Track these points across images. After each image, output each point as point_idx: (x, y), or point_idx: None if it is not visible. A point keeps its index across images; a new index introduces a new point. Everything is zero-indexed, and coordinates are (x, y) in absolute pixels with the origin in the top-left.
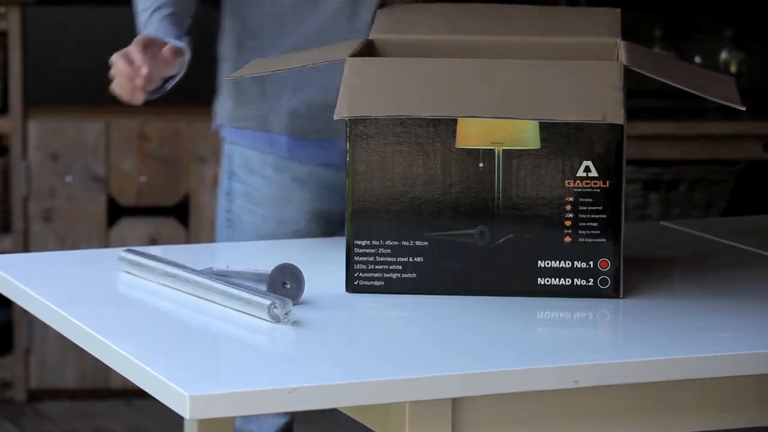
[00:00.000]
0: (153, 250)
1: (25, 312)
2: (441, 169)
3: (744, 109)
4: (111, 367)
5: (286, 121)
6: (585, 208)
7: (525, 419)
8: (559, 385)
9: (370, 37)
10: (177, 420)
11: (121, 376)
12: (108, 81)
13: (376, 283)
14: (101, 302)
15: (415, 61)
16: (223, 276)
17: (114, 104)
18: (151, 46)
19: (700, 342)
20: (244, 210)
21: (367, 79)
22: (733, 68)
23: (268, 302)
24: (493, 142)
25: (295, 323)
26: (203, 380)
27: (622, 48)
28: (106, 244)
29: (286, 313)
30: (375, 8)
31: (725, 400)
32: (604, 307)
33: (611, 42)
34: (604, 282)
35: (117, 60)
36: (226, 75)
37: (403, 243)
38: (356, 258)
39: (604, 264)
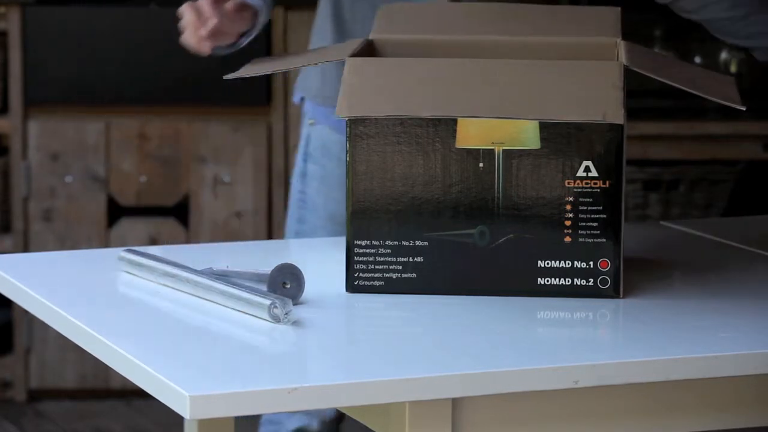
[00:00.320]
0: (153, 250)
1: (25, 312)
2: (441, 169)
3: (744, 109)
4: (111, 367)
5: None
6: (585, 208)
7: (525, 419)
8: (559, 385)
9: (370, 37)
10: (177, 420)
11: (121, 376)
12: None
13: (376, 283)
14: (101, 302)
15: (415, 61)
16: (223, 276)
17: (114, 104)
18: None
19: (700, 342)
20: (318, 193)
21: (367, 79)
22: (733, 68)
23: (268, 302)
24: (493, 142)
25: (295, 323)
26: (203, 380)
27: (622, 48)
28: (106, 244)
29: (286, 313)
30: None
31: (725, 400)
32: (604, 307)
33: (611, 42)
34: (604, 282)
35: (185, 10)
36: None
37: (403, 243)
38: (356, 258)
39: (604, 264)
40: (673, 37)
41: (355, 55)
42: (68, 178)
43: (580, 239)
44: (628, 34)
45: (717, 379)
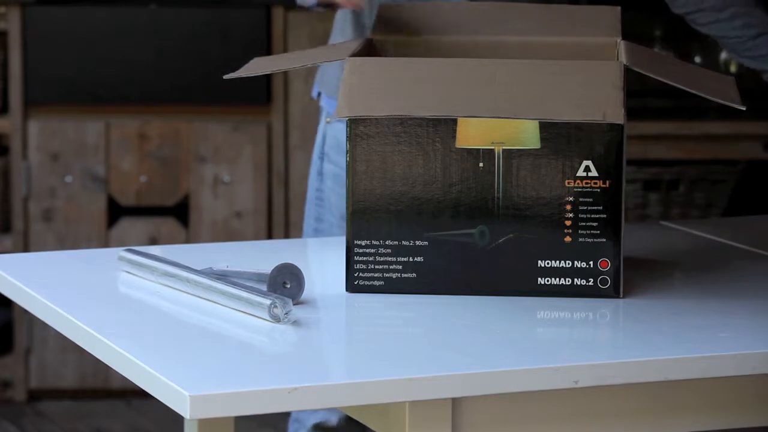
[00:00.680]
0: (153, 250)
1: (25, 312)
2: (441, 169)
3: (744, 108)
4: (111, 367)
5: None
6: (585, 207)
7: (525, 419)
8: (559, 385)
9: (370, 37)
10: (177, 420)
11: (121, 376)
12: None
13: (376, 283)
14: (101, 302)
15: (415, 61)
16: (223, 276)
17: (114, 104)
18: None
19: (700, 342)
20: (332, 191)
21: (367, 79)
22: (733, 68)
23: (268, 302)
24: (493, 142)
25: (295, 323)
26: (203, 380)
27: (622, 48)
28: (106, 244)
29: (286, 313)
30: None
31: (725, 400)
32: (604, 307)
33: (611, 42)
34: (604, 282)
35: None
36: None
37: (403, 243)
38: (356, 258)
39: (604, 264)
40: (673, 37)
41: (355, 55)
42: (68, 178)
43: (580, 239)
44: (628, 34)
45: (717, 379)
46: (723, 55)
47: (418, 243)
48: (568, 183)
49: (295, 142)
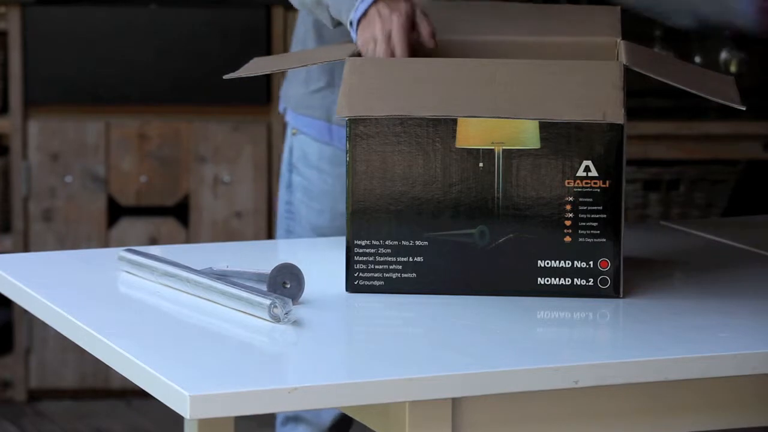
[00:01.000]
0: (153, 250)
1: (25, 312)
2: (441, 169)
3: (744, 108)
4: (111, 367)
5: None
6: (585, 207)
7: (525, 419)
8: (559, 385)
9: None
10: (177, 420)
11: (121, 376)
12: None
13: (376, 283)
14: (101, 302)
15: (415, 61)
16: (223, 276)
17: (114, 104)
18: (416, 26)
19: (700, 342)
20: (302, 204)
21: (367, 79)
22: (733, 68)
23: (268, 302)
24: (493, 142)
25: (295, 323)
26: (203, 380)
27: (622, 48)
28: (106, 244)
29: (286, 313)
30: None
31: (725, 400)
32: (604, 307)
33: (611, 42)
34: (604, 282)
35: (381, 47)
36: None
37: (403, 243)
38: (356, 258)
39: (604, 264)
40: (673, 37)
41: (355, 55)
42: (68, 178)
43: (580, 239)
44: (628, 34)
45: (717, 379)
46: (723, 55)
47: (418, 243)
48: (568, 183)
49: None
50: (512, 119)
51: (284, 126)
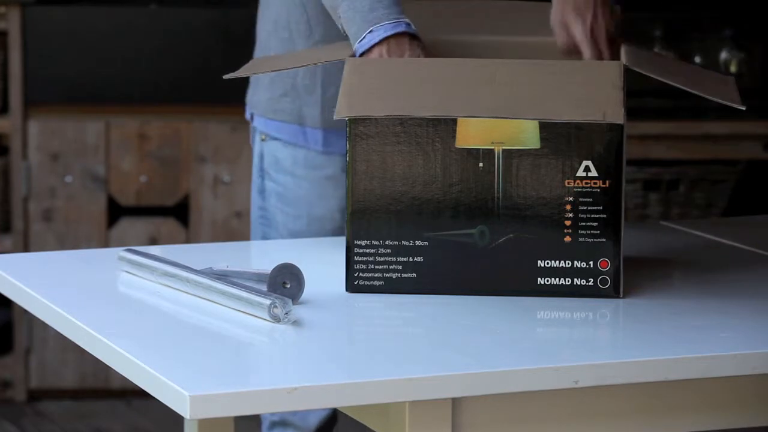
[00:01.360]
0: (153, 250)
1: (25, 312)
2: (441, 169)
3: (744, 108)
4: (111, 367)
5: (319, 115)
6: (585, 207)
7: (525, 419)
8: (559, 385)
9: None
10: (177, 420)
11: (121, 376)
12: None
13: (376, 283)
14: (101, 302)
15: (415, 61)
16: (223, 276)
17: (114, 104)
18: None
19: (700, 342)
20: (277, 209)
21: (367, 79)
22: (733, 68)
23: (268, 302)
24: (493, 142)
25: (295, 323)
26: (203, 380)
27: (622, 48)
28: (106, 244)
29: (286, 313)
30: None
31: (725, 400)
32: (604, 307)
33: None
34: (604, 282)
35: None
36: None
37: (403, 243)
38: (356, 258)
39: (604, 264)
40: (673, 37)
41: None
42: (68, 178)
43: (580, 239)
44: (628, 34)
45: (717, 379)
46: (723, 55)
47: (418, 243)
48: (568, 183)
49: None
50: (512, 119)
51: (250, 133)
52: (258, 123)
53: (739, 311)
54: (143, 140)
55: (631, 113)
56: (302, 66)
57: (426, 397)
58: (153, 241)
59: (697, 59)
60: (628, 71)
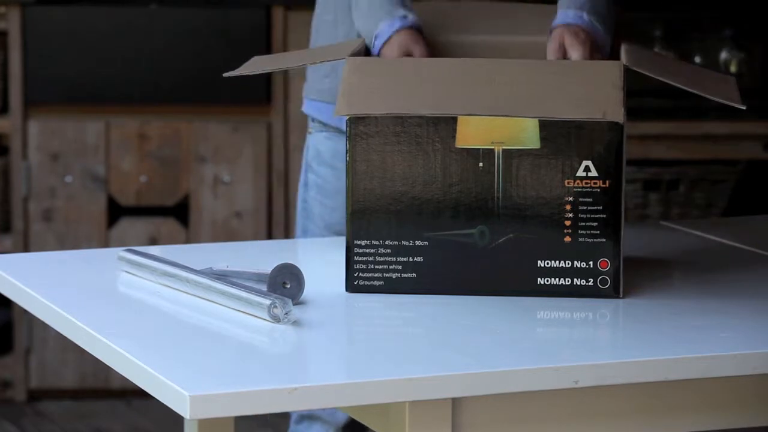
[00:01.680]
0: (153, 250)
1: (25, 312)
2: (441, 169)
3: (744, 108)
4: (111, 367)
5: None
6: (585, 208)
7: (525, 419)
8: (559, 385)
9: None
10: (177, 420)
11: (121, 376)
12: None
13: (376, 283)
14: (101, 302)
15: (415, 61)
16: (223, 276)
17: (114, 104)
18: None
19: (700, 342)
20: (315, 201)
21: (367, 79)
22: (733, 68)
23: (268, 302)
24: (493, 142)
25: (295, 323)
26: (203, 380)
27: (622, 48)
28: (106, 244)
29: (286, 313)
30: None
31: (725, 400)
32: (604, 307)
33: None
34: (604, 282)
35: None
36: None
37: (403, 243)
38: (356, 258)
39: (604, 264)
40: (673, 37)
41: (355, 55)
42: (68, 178)
43: (580, 239)
44: (628, 34)
45: (717, 379)
46: (723, 55)
47: (418, 243)
48: (568, 183)
49: (295, 142)
50: (512, 119)
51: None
52: (305, 107)
53: (739, 311)
54: (143, 140)
55: (631, 113)
56: (302, 65)
57: (426, 397)
58: (153, 241)
59: (697, 59)
60: (628, 71)
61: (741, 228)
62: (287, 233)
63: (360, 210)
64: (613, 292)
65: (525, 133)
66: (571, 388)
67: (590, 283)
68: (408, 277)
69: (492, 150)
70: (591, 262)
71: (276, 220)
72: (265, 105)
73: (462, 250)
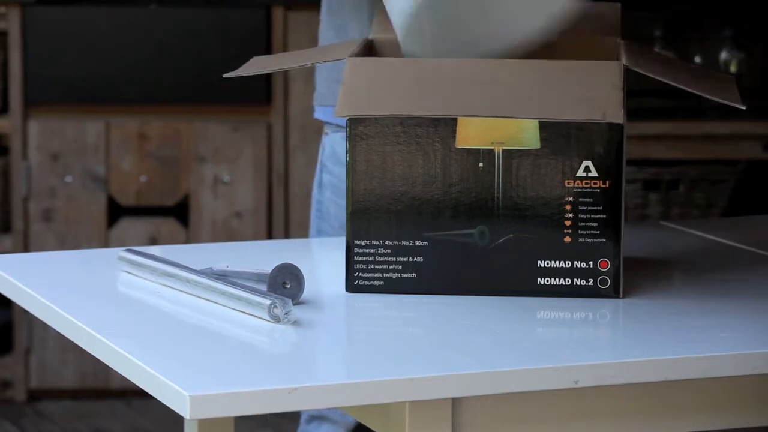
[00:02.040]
0: (153, 250)
1: (25, 312)
2: (441, 169)
3: (744, 108)
4: (111, 367)
5: None
6: (585, 208)
7: (525, 419)
8: (559, 385)
9: (370, 37)
10: (177, 420)
11: (121, 376)
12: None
13: (376, 283)
14: (101, 302)
15: (415, 61)
16: (223, 276)
17: (114, 104)
18: None
19: (700, 342)
20: (330, 202)
21: (367, 79)
22: (733, 68)
23: (268, 302)
24: (493, 142)
25: (295, 323)
26: (203, 380)
27: (622, 48)
28: (106, 244)
29: (286, 313)
30: None
31: (725, 400)
32: (604, 307)
33: (611, 42)
34: (604, 282)
35: None
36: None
37: (403, 243)
38: (356, 258)
39: (604, 264)
40: (673, 37)
41: (355, 55)
42: (68, 178)
43: (580, 239)
44: (628, 34)
45: (717, 379)
46: (723, 55)
47: (418, 243)
48: (568, 183)
49: (295, 142)
50: (512, 119)
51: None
52: (317, 113)
53: (739, 311)
54: (143, 140)
55: (631, 113)
56: (302, 66)
57: (426, 397)
58: (153, 241)
59: (697, 59)
60: (628, 71)
61: (741, 228)
62: (287, 233)
63: (360, 210)
64: (613, 292)
65: (525, 134)
66: (571, 388)
67: (590, 283)
68: (408, 277)
69: (492, 150)
70: (591, 262)
71: (276, 220)
72: (265, 105)
73: (462, 250)
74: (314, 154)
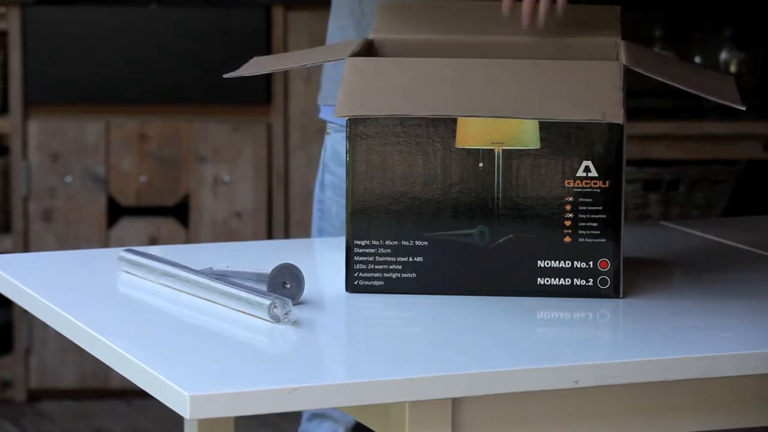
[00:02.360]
0: (153, 250)
1: (25, 312)
2: (441, 169)
3: (744, 108)
4: (111, 367)
5: None
6: (585, 208)
7: (525, 419)
8: (559, 385)
9: (370, 37)
10: (177, 420)
11: (121, 376)
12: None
13: (376, 283)
14: (101, 302)
15: (415, 61)
16: (223, 276)
17: (114, 104)
18: None
19: (700, 342)
20: (332, 201)
21: (367, 79)
22: (733, 68)
23: (268, 302)
24: (493, 142)
25: (295, 323)
26: (203, 380)
27: (622, 48)
28: (106, 244)
29: (286, 313)
30: None
31: (725, 400)
32: (604, 307)
33: (611, 42)
34: (604, 282)
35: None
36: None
37: (403, 243)
38: (356, 258)
39: (604, 264)
40: (673, 37)
41: (355, 55)
42: (68, 178)
43: (580, 239)
44: (628, 34)
45: (717, 379)
46: (723, 55)
47: (418, 243)
48: (568, 183)
49: (295, 142)
50: (512, 119)
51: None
52: (322, 113)
53: (739, 311)
54: (143, 140)
55: (631, 113)
56: (302, 66)
57: (426, 397)
58: (153, 241)
59: (697, 59)
60: (628, 71)
61: (741, 228)
62: (287, 233)
63: (360, 210)
64: (613, 292)
65: (525, 134)
66: (571, 388)
67: (590, 283)
68: (408, 277)
69: (492, 150)
70: (591, 262)
71: (276, 220)
72: (265, 105)
73: (462, 250)
74: (314, 154)
